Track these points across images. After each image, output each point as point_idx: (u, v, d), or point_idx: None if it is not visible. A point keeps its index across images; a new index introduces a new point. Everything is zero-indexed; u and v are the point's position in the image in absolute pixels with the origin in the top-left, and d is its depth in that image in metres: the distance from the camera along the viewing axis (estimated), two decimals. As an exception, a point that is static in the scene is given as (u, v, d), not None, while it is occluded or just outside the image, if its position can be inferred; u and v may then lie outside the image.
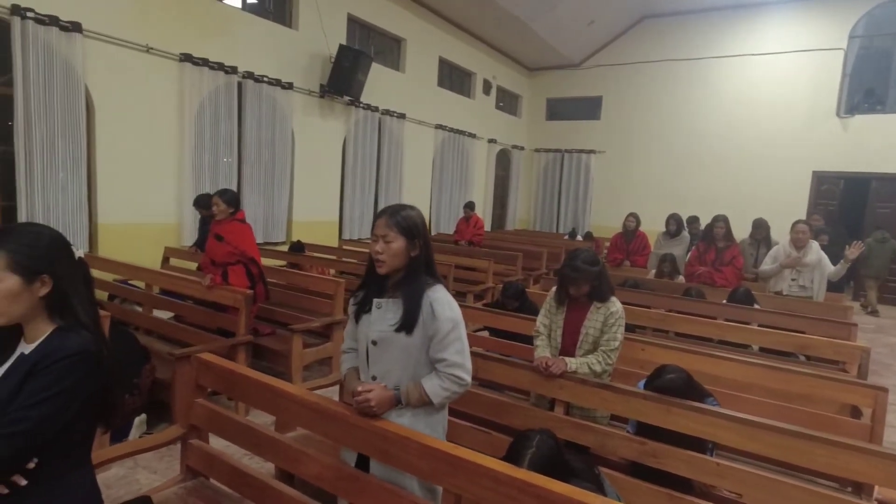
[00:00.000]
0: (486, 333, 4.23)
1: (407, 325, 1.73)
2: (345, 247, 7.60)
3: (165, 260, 5.59)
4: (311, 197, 7.74)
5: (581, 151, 12.93)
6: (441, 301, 1.75)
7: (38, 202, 4.69)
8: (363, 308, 1.84)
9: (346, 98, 7.74)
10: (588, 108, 13.02)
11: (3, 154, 4.73)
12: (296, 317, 4.49)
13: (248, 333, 3.75)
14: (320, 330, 4.34)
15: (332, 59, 7.35)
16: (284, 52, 6.97)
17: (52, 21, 4.58)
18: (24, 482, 1.21)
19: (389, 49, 9.23)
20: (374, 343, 1.78)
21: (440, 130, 10.25)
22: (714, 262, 5.33)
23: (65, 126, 4.81)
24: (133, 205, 5.48)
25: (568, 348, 2.66)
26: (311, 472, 1.88)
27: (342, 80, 7.36)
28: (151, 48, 5.45)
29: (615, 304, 2.61)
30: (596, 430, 2.36)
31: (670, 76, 11.83)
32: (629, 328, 3.15)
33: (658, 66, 11.93)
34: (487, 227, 11.93)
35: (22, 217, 4.64)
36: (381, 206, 9.02)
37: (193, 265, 5.38)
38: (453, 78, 10.94)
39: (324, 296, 4.70)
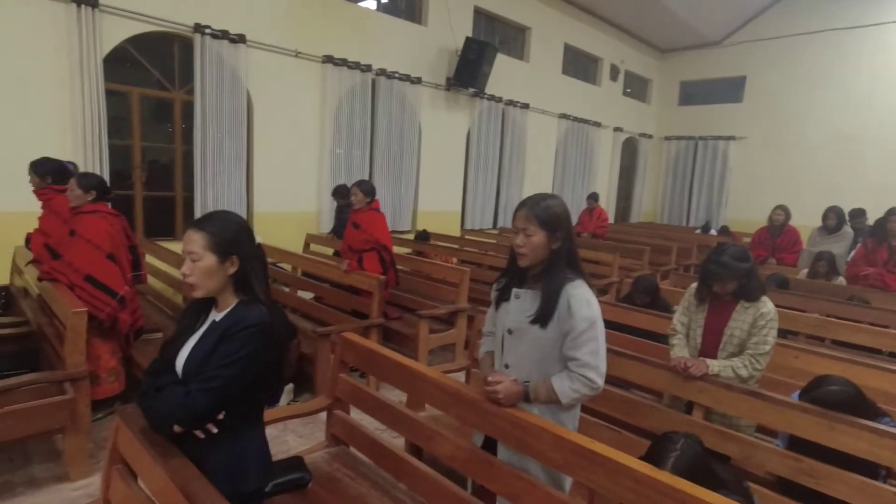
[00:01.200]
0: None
1: (541, 318, 1.72)
2: (467, 236, 7.76)
3: (306, 245, 6.14)
4: (436, 187, 8.00)
5: (718, 138, 11.84)
6: (579, 298, 1.71)
7: (209, 194, 5.42)
8: (503, 296, 1.88)
9: (471, 90, 7.85)
10: (728, 91, 11.85)
11: (186, 153, 5.52)
12: (421, 303, 4.69)
13: (379, 317, 4.00)
14: (445, 317, 4.50)
15: (459, 52, 7.49)
16: (414, 48, 7.25)
17: (224, 35, 5.25)
18: (215, 430, 1.44)
19: (514, 39, 9.17)
20: (510, 332, 1.81)
21: (564, 120, 10.00)
22: (887, 262, 4.62)
23: (231, 127, 5.49)
24: (281, 195, 6.09)
25: (708, 349, 2.49)
26: (445, 451, 1.97)
27: (467, 72, 7.48)
28: (300, 52, 5.99)
29: (766, 305, 2.38)
30: (740, 439, 2.19)
31: (829, 49, 10.33)
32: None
33: (814, 38, 10.47)
34: (611, 219, 11.44)
35: (198, 207, 5.40)
36: (503, 197, 9.13)
37: (330, 250, 5.85)
38: (578, 65, 10.58)
39: (449, 283, 4.85)
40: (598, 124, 10.76)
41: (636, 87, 12.41)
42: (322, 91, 6.27)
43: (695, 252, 7.93)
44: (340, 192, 5.83)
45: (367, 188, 4.23)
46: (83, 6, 4.42)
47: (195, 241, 1.42)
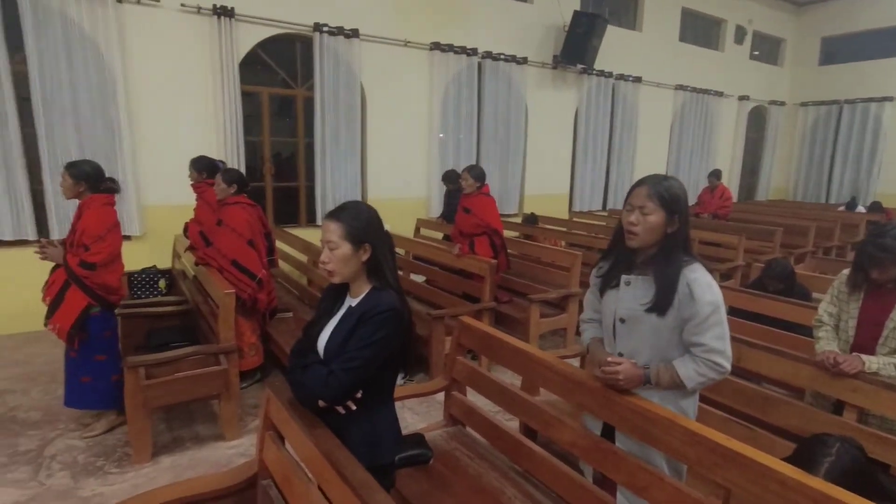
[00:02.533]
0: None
1: (660, 306, 1.65)
2: (575, 219, 7.56)
3: (417, 230, 6.35)
4: (543, 170, 7.86)
5: (869, 100, 10.31)
6: (700, 282, 1.63)
7: (328, 183, 5.81)
8: (608, 282, 1.81)
9: (579, 67, 7.56)
10: (881, 44, 10.23)
11: (307, 146, 5.95)
12: (532, 287, 4.66)
13: (491, 300, 4.05)
14: (556, 301, 4.44)
15: (566, 28, 7.23)
16: (519, 27, 7.12)
17: (339, 31, 5.55)
18: (354, 407, 1.56)
19: (625, 8, 8.65)
20: (622, 321, 1.75)
21: (680, 91, 9.29)
22: None
23: (347, 119, 5.82)
24: (392, 182, 6.35)
25: (864, 344, 2.22)
26: (563, 437, 1.97)
27: (575, 48, 7.20)
28: (409, 42, 6.15)
29: (942, 296, 2.07)
30: (905, 447, 1.94)
31: None
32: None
33: None
34: (734, 197, 10.49)
35: (318, 196, 5.82)
36: (613, 177, 8.74)
37: (440, 235, 6.00)
38: (698, 30, 9.73)
39: (559, 267, 4.78)
40: (719, 94, 9.87)
41: (766, 49, 11.16)
42: (430, 78, 6.40)
43: (837, 232, 7.06)
44: (449, 178, 5.95)
45: (477, 173, 4.27)
46: (222, 17, 4.90)
47: (332, 230, 1.52)
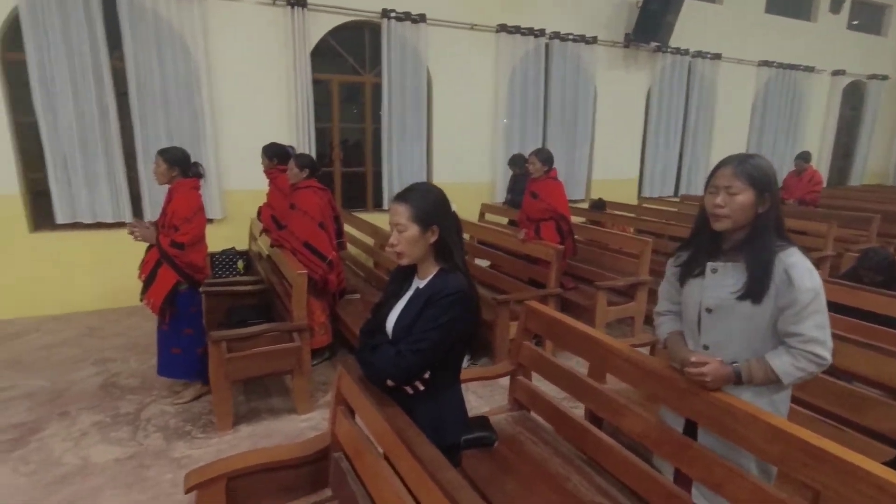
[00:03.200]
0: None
1: (754, 292, 1.54)
2: (645, 205, 7.27)
3: (481, 214, 6.34)
4: (611, 154, 7.60)
5: None
6: (799, 267, 1.51)
7: (394, 168, 5.91)
8: (691, 270, 1.71)
9: (653, 45, 7.20)
10: None
11: (374, 132, 6.07)
12: (598, 273, 4.55)
13: (557, 286, 3.99)
14: (624, 289, 4.32)
15: (639, 4, 6.89)
16: (589, 6, 6.86)
17: (406, 17, 5.59)
18: (422, 388, 1.59)
19: (705, -21, 8.11)
20: (709, 311, 1.65)
21: (764, 68, 8.64)
22: None
23: (413, 104, 5.88)
24: (457, 166, 6.35)
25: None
26: (635, 427, 1.92)
27: (649, 24, 6.86)
28: (475, 25, 6.09)
29: None
30: None
31: None
32: None
33: None
34: (825, 182, 9.68)
35: (385, 181, 5.93)
36: (687, 161, 8.31)
37: (504, 220, 5.96)
38: (787, 0, 8.98)
39: (627, 254, 4.63)
40: (810, 69, 9.09)
41: (867, 17, 10.12)
42: (496, 61, 6.32)
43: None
44: (516, 161, 5.88)
45: (545, 156, 4.19)
46: (295, 7, 5.07)
47: (400, 212, 1.54)
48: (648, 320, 4.53)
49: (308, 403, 3.26)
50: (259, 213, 4.41)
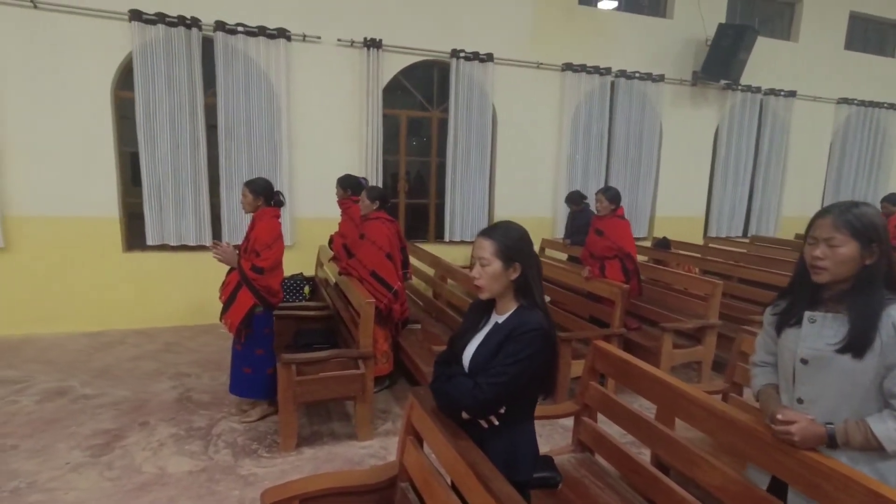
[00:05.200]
0: None
1: (856, 346, 1.45)
2: (711, 245, 7.03)
3: (541, 250, 6.33)
4: (676, 191, 7.43)
5: None
6: None
7: (457, 201, 6.04)
8: (788, 319, 1.65)
9: (723, 82, 7.07)
10: None
11: (438, 165, 6.25)
12: (663, 314, 4.42)
13: (621, 326, 3.91)
14: (691, 332, 4.17)
15: (709, 42, 6.83)
16: (656, 44, 6.86)
17: (475, 56, 5.81)
18: (496, 422, 1.60)
19: (779, 16, 7.95)
20: (805, 362, 1.57)
21: (844, 105, 8.26)
22: None
23: (478, 139, 6.04)
24: (518, 201, 6.41)
25: None
26: (710, 479, 1.84)
27: (719, 62, 6.76)
28: (541, 64, 6.23)
29: None
30: None
31: None
32: None
33: None
34: (913, 225, 9.02)
35: (447, 213, 6.07)
36: (758, 201, 8.00)
37: (564, 255, 5.93)
38: (869, 35, 8.61)
39: (694, 296, 4.48)
40: (894, 106, 8.61)
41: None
42: (560, 98, 6.40)
43: None
44: (573, 199, 5.87)
45: (612, 195, 4.18)
46: (371, 48, 5.38)
47: (485, 247, 1.59)
48: (717, 367, 4.36)
49: (368, 430, 3.31)
50: (331, 241, 4.60)
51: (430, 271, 5.22)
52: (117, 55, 4.82)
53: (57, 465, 2.89)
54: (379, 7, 5.52)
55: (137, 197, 5.11)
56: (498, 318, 1.65)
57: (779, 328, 1.68)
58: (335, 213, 4.52)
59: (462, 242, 6.25)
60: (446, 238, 6.18)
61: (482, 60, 5.84)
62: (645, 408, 2.41)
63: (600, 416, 2.49)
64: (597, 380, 2.53)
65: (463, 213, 6.07)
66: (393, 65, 5.65)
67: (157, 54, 4.82)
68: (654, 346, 4.05)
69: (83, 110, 4.79)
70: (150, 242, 5.12)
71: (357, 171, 5.29)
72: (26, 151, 4.69)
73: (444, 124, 6.08)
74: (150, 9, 4.76)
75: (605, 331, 3.84)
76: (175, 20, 4.81)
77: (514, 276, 1.59)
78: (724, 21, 6.92)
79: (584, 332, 3.76)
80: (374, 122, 5.54)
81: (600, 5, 6.61)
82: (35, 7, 4.55)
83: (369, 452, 3.18)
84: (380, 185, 5.56)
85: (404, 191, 6.23)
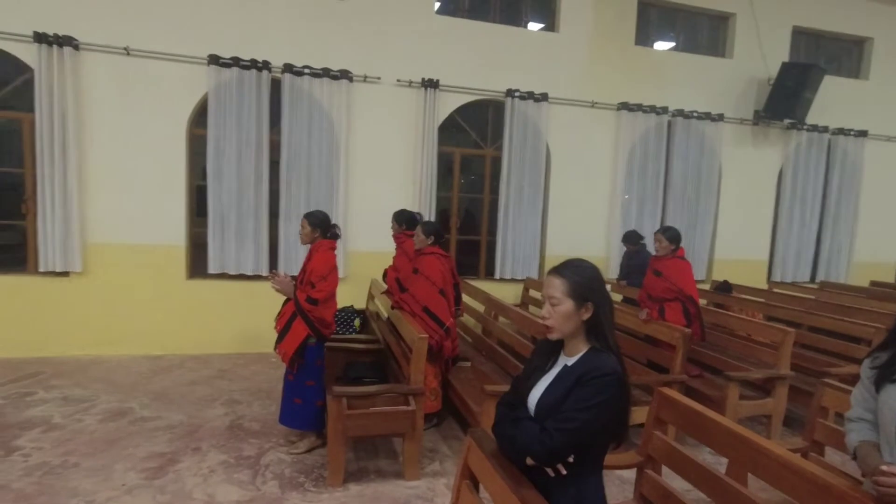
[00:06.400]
0: None
1: None
2: (776, 290, 6.65)
3: (594, 290, 6.16)
4: (737, 233, 7.14)
5: None
6: None
7: (509, 238, 6.02)
8: (889, 374, 1.51)
9: (786, 122, 6.84)
10: None
11: (492, 201, 6.28)
12: (726, 362, 4.17)
13: (681, 372, 3.71)
14: (759, 382, 3.90)
15: (771, 81, 6.65)
16: (715, 83, 6.75)
17: (529, 95, 5.88)
18: (564, 472, 1.51)
19: (846, 54, 7.68)
20: None
21: (922, 145, 7.80)
22: None
23: (531, 177, 6.06)
24: (572, 240, 6.31)
25: None
26: (797, 548, 1.67)
27: (782, 101, 6.55)
28: (596, 103, 6.23)
29: None
30: None
31: None
32: None
33: None
34: None
35: (498, 250, 6.05)
36: (826, 244, 7.57)
37: (618, 297, 5.74)
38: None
39: (761, 344, 4.22)
40: (980, 148, 8.04)
41: None
42: (615, 137, 6.36)
43: None
44: (630, 238, 5.73)
45: (672, 235, 4.04)
46: (429, 88, 5.54)
47: (556, 286, 1.53)
48: (789, 422, 4.04)
49: (416, 470, 3.23)
50: (384, 275, 4.64)
51: (480, 308, 5.17)
52: (195, 95, 5.17)
53: (114, 486, 2.95)
54: (437, 49, 5.71)
55: (202, 227, 5.36)
56: (567, 360, 1.58)
57: (878, 383, 1.54)
58: (388, 247, 4.57)
59: (513, 280, 6.18)
60: (497, 275, 6.13)
61: (537, 100, 5.90)
62: (715, 462, 2.23)
63: (664, 469, 2.33)
64: (662, 429, 2.38)
65: (514, 250, 6.03)
66: (449, 103, 5.78)
67: (230, 94, 5.13)
68: (718, 395, 3.80)
69: (161, 146, 5.13)
70: (210, 271, 5.32)
71: (411, 207, 5.37)
72: (109, 183, 5.04)
73: (497, 162, 6.13)
74: (226, 53, 5.10)
75: (665, 377, 3.65)
76: (248, 63, 5.13)
77: (586, 316, 1.52)
78: (787, 60, 6.74)
79: (642, 378, 3.58)
80: (428, 159, 5.65)
81: (656, 45, 6.60)
82: (128, 54, 4.96)
83: (416, 493, 3.09)
84: (433, 220, 5.61)
85: (456, 227, 6.26)
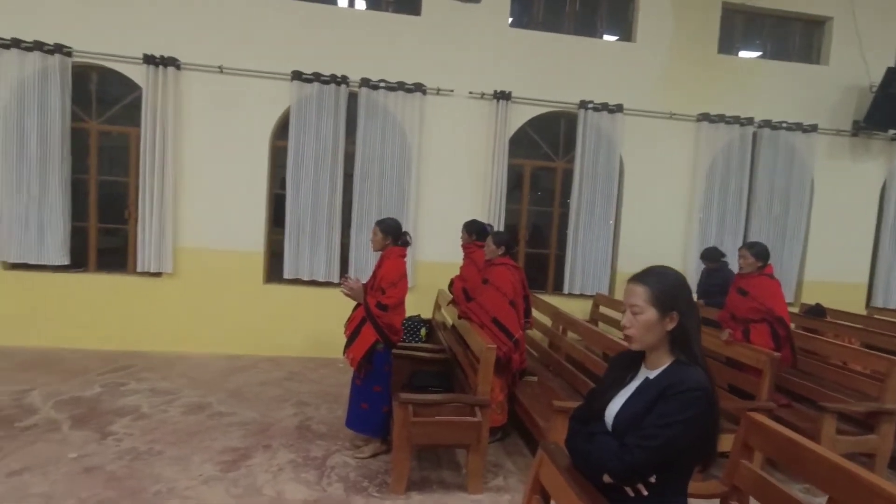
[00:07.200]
0: None
1: None
2: (877, 316, 6.04)
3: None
4: (830, 254, 6.57)
5: None
6: None
7: (578, 252, 5.87)
8: None
9: (891, 132, 6.26)
10: None
11: (562, 215, 6.16)
12: (820, 392, 3.81)
13: (768, 399, 3.42)
14: (861, 417, 3.53)
15: (874, 89, 6.12)
16: (808, 92, 6.30)
17: (604, 107, 5.75)
18: (645, 492, 1.41)
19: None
20: None
21: None
22: None
23: (603, 190, 5.90)
24: (645, 255, 6.04)
25: None
26: None
27: (887, 110, 6.01)
28: (674, 114, 5.99)
29: None
30: None
31: None
32: None
33: None
34: None
35: (567, 264, 5.92)
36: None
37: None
38: None
39: (861, 374, 3.83)
40: None
41: None
42: (694, 150, 6.08)
43: None
44: (710, 255, 5.42)
45: (759, 251, 3.78)
46: (500, 100, 5.56)
47: (638, 293, 1.46)
48: (893, 463, 3.62)
49: (479, 484, 3.16)
50: (450, 285, 4.65)
51: (548, 322, 5.05)
52: (278, 109, 5.47)
53: (192, 476, 3.10)
54: (509, 61, 5.72)
55: (279, 234, 5.62)
56: (649, 372, 1.49)
57: None
58: (456, 257, 4.58)
59: (581, 296, 6.00)
60: (565, 290, 5.98)
61: (611, 111, 5.76)
62: (806, 500, 2.02)
63: (752, 501, 2.14)
64: (749, 458, 2.20)
65: (584, 265, 5.87)
66: (520, 115, 5.76)
67: (310, 108, 5.38)
68: (811, 428, 3.47)
69: (246, 157, 5.46)
70: (285, 276, 5.55)
71: (480, 219, 5.36)
72: (198, 191, 5.41)
73: (568, 175, 6.01)
74: (308, 69, 5.37)
75: (750, 403, 3.38)
76: (328, 78, 5.37)
77: (671, 326, 1.44)
78: (892, 65, 6.18)
79: (724, 403, 3.33)
80: (499, 171, 5.64)
81: (741, 53, 6.26)
82: (221, 72, 5.34)
83: (478, 507, 3.03)
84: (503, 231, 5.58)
85: (524, 239, 6.18)
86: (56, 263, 5.21)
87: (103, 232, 5.70)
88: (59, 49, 4.99)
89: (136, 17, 5.18)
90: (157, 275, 5.39)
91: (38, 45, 4.96)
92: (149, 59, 5.12)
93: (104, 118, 5.50)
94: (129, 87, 5.35)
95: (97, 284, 5.38)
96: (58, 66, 5.00)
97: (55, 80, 5.01)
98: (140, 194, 5.25)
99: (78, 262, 5.42)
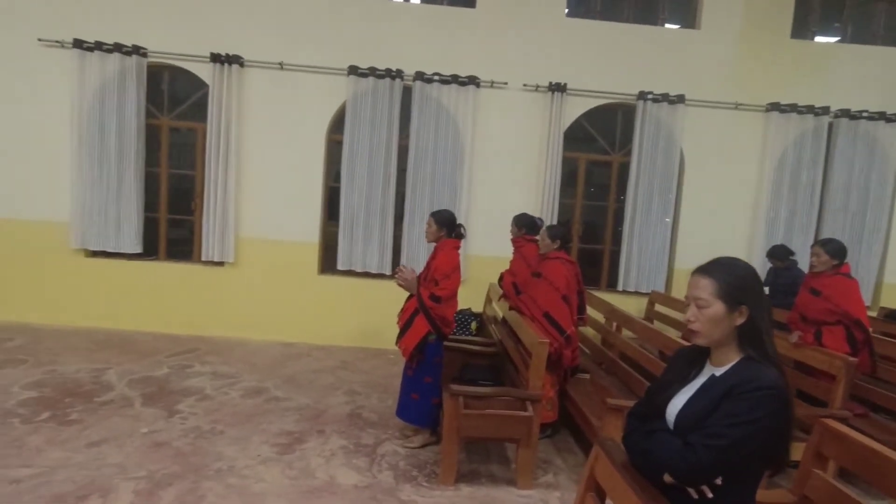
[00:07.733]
0: None
1: None
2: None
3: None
4: (916, 254, 6.08)
5: None
6: None
7: (633, 248, 5.69)
8: None
9: None
10: None
11: (617, 210, 5.99)
12: (902, 403, 3.54)
13: (843, 408, 3.20)
14: (950, 431, 3.25)
15: (971, 75, 5.59)
16: (892, 77, 5.82)
17: (664, 98, 5.53)
18: (710, 495, 1.34)
19: None
20: None
21: None
22: None
23: (661, 185, 5.69)
24: (705, 252, 5.70)
25: None
26: None
27: None
28: (740, 104, 5.68)
29: None
30: None
31: None
32: None
33: None
34: None
35: (622, 260, 5.76)
36: None
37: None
38: None
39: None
40: None
41: None
42: (762, 142, 5.75)
43: None
44: (778, 254, 5.12)
45: (835, 248, 3.53)
46: (555, 92, 5.45)
47: (703, 286, 1.39)
48: None
49: (529, 479, 3.13)
50: (500, 279, 4.62)
51: (601, 318, 4.92)
52: (334, 104, 5.59)
53: (251, 455, 3.23)
54: (565, 52, 5.60)
55: (334, 226, 5.75)
56: (715, 370, 1.42)
57: None
58: (508, 252, 4.54)
59: (636, 293, 5.82)
60: (619, 287, 5.82)
61: (671, 102, 5.53)
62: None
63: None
64: (823, 468, 2.06)
65: (640, 261, 5.68)
66: (576, 108, 5.63)
67: (365, 102, 5.47)
68: (890, 440, 3.21)
69: (303, 151, 5.61)
70: (339, 267, 5.68)
71: (532, 213, 5.29)
72: (258, 184, 5.61)
73: (624, 169, 5.83)
74: (364, 64, 5.45)
75: (822, 410, 3.17)
76: (383, 73, 5.44)
77: (740, 321, 1.36)
78: None
79: (795, 409, 3.14)
80: (553, 164, 5.54)
81: (817, 38, 5.86)
82: (281, 68, 5.51)
83: (529, 503, 2.99)
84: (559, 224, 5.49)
85: (578, 235, 6.05)
86: (131, 252, 5.56)
87: (172, 222, 6.02)
88: (136, 50, 5.30)
89: (203, 18, 5.42)
90: (220, 264, 5.65)
91: (117, 48, 5.28)
92: (215, 58, 5.35)
93: (174, 114, 5.80)
94: (198, 85, 5.61)
95: (166, 272, 5.69)
96: (135, 66, 5.32)
97: (132, 80, 5.33)
98: (206, 187, 5.50)
99: (149, 250, 5.76)
